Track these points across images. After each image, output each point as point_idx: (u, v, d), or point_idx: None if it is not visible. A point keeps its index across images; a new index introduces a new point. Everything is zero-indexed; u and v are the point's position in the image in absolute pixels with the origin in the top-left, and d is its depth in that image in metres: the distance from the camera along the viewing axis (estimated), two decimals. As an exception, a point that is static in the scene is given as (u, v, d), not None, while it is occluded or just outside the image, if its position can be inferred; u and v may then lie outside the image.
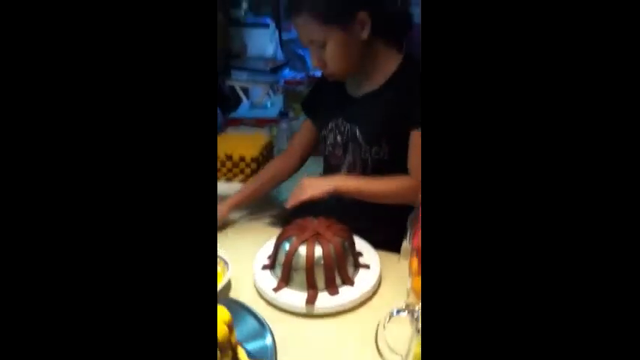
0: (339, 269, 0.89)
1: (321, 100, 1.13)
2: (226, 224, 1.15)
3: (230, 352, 0.62)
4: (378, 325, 0.77)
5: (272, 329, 0.76)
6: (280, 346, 0.73)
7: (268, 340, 0.69)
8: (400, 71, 1.00)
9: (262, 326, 0.71)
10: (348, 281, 0.90)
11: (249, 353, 0.65)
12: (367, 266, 0.95)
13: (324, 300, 0.87)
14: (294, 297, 0.88)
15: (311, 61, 0.99)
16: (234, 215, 1.18)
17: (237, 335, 0.62)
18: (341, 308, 0.87)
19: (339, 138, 1.06)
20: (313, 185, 1.00)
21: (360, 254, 0.97)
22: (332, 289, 0.89)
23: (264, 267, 0.96)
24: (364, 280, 0.91)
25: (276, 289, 0.90)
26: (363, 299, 0.89)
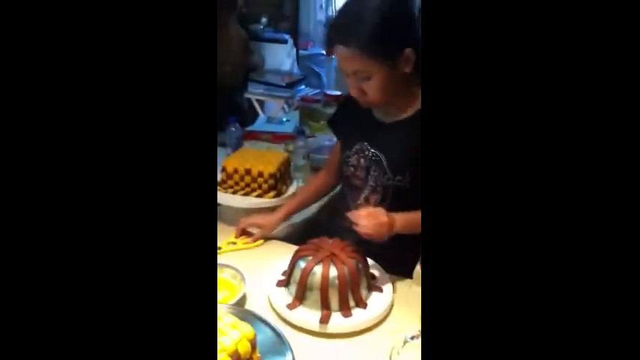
0: (353, 291, 0.91)
1: (348, 121, 1.15)
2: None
3: (250, 370, 0.63)
4: (392, 350, 0.78)
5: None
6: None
7: (289, 357, 0.71)
8: None
9: (281, 341, 0.73)
10: (361, 303, 0.92)
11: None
12: (380, 289, 0.96)
13: (338, 321, 0.89)
14: (308, 316, 0.89)
15: (349, 90, 1.01)
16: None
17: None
18: (353, 330, 0.88)
19: (362, 161, 1.07)
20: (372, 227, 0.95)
21: (373, 277, 0.99)
22: (345, 310, 0.90)
23: (279, 283, 0.98)
24: (377, 304, 0.93)
25: (290, 307, 0.91)
26: (375, 322, 0.90)
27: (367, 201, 1.08)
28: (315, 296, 0.91)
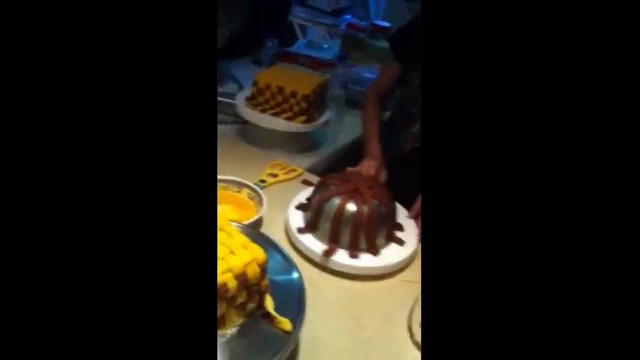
0: (367, 234, 0.83)
1: (412, 40, 1.04)
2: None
3: (257, 297, 0.56)
4: (415, 302, 0.71)
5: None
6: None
7: (295, 275, 0.65)
8: None
9: (289, 263, 0.66)
10: (373, 249, 0.84)
11: (276, 284, 0.60)
12: (401, 242, 0.88)
13: (342, 258, 0.82)
14: (314, 245, 0.83)
15: None
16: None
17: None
18: (356, 272, 0.82)
19: None
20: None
21: (399, 227, 0.90)
22: (353, 250, 0.83)
23: (298, 207, 0.91)
24: (391, 255, 0.85)
25: (300, 231, 0.85)
26: (382, 272, 0.83)
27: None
28: (326, 227, 0.84)
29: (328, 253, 0.81)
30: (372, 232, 0.84)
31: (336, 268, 0.81)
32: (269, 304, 0.57)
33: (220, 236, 0.57)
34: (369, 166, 0.99)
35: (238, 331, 0.55)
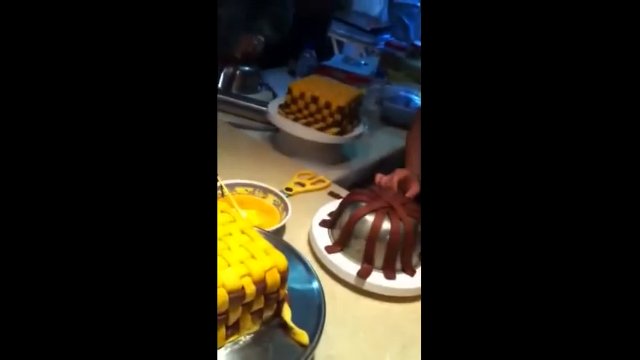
0: (403, 253, 0.80)
1: None
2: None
3: (274, 305, 0.54)
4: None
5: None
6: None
7: (315, 285, 0.62)
8: None
9: (310, 274, 0.64)
10: (409, 269, 0.81)
11: (295, 294, 0.58)
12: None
13: (378, 279, 0.78)
14: (347, 265, 0.79)
15: None
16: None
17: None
18: (394, 294, 0.78)
19: None
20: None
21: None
22: (389, 271, 0.79)
23: (323, 223, 0.88)
24: (427, 273, 0.81)
25: (329, 250, 0.81)
26: (417, 294, 0.79)
27: None
28: (358, 246, 0.80)
29: (363, 274, 0.77)
30: (409, 252, 0.80)
31: (372, 290, 0.77)
32: (287, 313, 0.54)
33: (242, 239, 0.55)
34: (400, 173, 0.95)
35: (253, 338, 0.53)
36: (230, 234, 0.55)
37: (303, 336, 0.52)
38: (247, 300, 0.50)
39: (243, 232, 0.56)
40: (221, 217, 0.58)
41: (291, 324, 0.53)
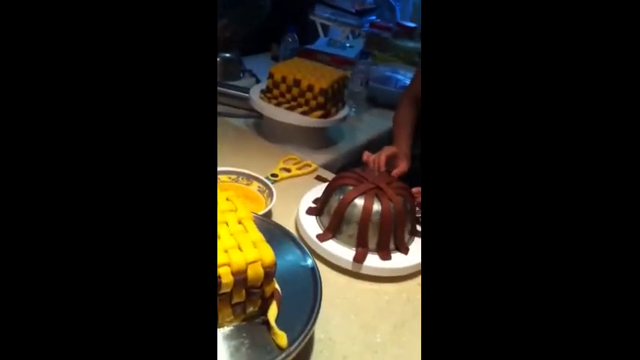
0: (396, 232, 0.77)
1: None
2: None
3: (259, 302, 0.50)
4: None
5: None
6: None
7: (309, 262, 0.61)
8: None
9: (303, 252, 0.62)
10: (403, 248, 0.78)
11: (289, 277, 0.56)
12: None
13: (374, 262, 0.75)
14: (341, 251, 0.76)
15: None
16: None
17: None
18: (391, 274, 0.75)
19: None
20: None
21: (419, 221, 0.84)
22: (384, 252, 0.76)
23: (309, 211, 0.85)
24: (419, 250, 0.79)
25: (321, 238, 0.78)
26: (416, 270, 0.77)
27: None
28: (351, 231, 0.77)
29: (360, 259, 0.74)
30: (402, 231, 0.77)
31: (370, 273, 0.75)
32: (272, 313, 0.50)
33: (235, 229, 0.52)
34: (388, 150, 0.92)
35: (231, 331, 0.49)
36: (226, 223, 0.53)
37: (282, 338, 0.48)
38: (224, 290, 0.47)
39: (239, 222, 0.53)
40: (223, 205, 0.55)
41: (273, 324, 0.49)
